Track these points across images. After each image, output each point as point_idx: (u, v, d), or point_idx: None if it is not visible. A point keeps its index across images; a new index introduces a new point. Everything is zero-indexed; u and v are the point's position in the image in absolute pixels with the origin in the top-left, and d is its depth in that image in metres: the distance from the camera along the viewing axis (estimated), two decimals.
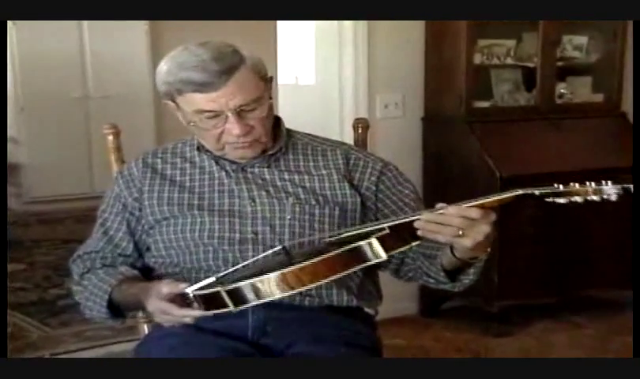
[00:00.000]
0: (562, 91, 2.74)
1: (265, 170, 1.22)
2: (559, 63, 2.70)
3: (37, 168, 4.71)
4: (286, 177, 1.22)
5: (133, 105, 4.81)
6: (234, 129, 1.13)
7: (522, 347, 2.47)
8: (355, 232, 1.06)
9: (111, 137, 1.41)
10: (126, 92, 4.84)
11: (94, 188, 4.57)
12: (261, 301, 0.99)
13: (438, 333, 2.59)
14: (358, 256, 1.01)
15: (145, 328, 1.32)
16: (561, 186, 1.01)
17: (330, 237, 1.09)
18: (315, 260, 0.99)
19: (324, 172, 1.23)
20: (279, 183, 1.21)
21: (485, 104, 2.66)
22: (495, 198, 1.02)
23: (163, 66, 1.16)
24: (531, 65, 2.68)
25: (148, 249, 1.24)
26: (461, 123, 2.55)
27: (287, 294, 0.99)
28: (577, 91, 2.80)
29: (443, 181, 2.63)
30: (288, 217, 1.18)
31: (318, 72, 2.78)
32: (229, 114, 1.12)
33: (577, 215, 2.58)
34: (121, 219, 1.24)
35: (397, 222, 1.05)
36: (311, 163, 1.24)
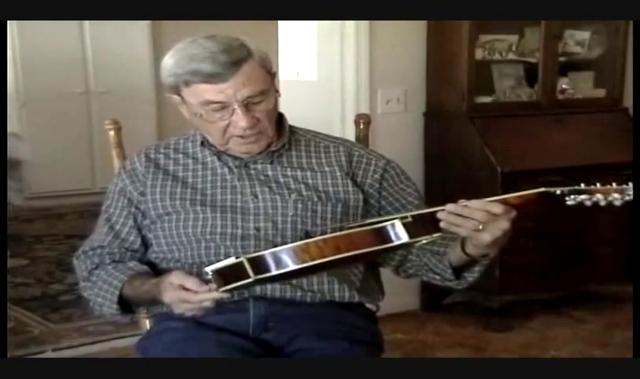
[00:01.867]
0: (564, 86, 2.74)
1: (268, 166, 1.22)
2: (561, 58, 2.70)
3: (39, 164, 4.71)
4: (289, 173, 1.22)
5: (135, 100, 4.81)
6: (240, 121, 1.13)
7: (523, 341, 2.48)
8: (378, 220, 1.07)
9: (112, 133, 1.41)
10: (127, 88, 4.84)
11: (95, 183, 4.58)
12: (282, 271, 0.98)
13: (439, 328, 2.59)
14: (380, 235, 1.01)
15: (147, 324, 1.32)
16: (583, 185, 1.02)
17: (353, 224, 1.09)
18: (338, 233, 1.00)
19: (327, 169, 1.23)
20: (282, 179, 1.21)
21: (487, 99, 2.65)
22: (518, 194, 1.04)
23: (169, 59, 1.16)
24: (533, 60, 2.67)
25: (150, 244, 1.24)
26: (462, 118, 2.55)
27: (307, 264, 0.98)
28: (579, 86, 2.80)
29: (445, 177, 2.63)
30: (291, 213, 1.18)
31: (319, 67, 2.77)
32: (236, 106, 1.12)
33: (578, 210, 2.57)
34: (127, 214, 1.24)
35: (421, 212, 1.06)
36: (314, 160, 1.24)
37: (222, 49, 1.11)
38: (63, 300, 2.91)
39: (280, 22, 3.06)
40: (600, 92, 2.82)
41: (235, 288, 1.01)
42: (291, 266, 0.98)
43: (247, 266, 0.98)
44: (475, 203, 1.02)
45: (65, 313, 2.76)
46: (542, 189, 1.03)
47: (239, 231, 1.17)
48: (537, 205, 1.04)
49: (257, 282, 1.00)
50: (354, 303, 1.21)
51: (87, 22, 4.74)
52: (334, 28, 2.57)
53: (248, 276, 0.98)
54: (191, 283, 1.03)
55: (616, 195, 1.01)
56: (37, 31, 4.49)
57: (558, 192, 1.02)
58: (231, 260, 1.00)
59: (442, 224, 1.03)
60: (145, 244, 1.24)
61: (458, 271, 1.16)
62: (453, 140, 2.62)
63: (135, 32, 4.85)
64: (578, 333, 2.52)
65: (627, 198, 1.01)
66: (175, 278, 1.05)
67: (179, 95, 1.17)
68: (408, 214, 1.04)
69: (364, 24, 2.51)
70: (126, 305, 1.20)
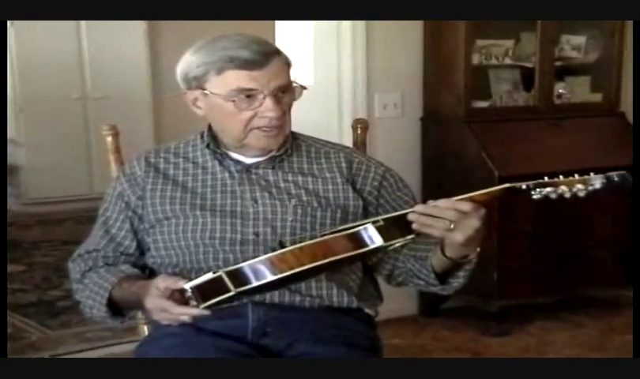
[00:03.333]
0: (560, 90, 2.75)
1: (270, 171, 1.22)
2: (558, 63, 2.71)
3: (36, 169, 4.71)
4: (290, 178, 1.22)
5: (132, 106, 4.81)
6: (270, 111, 1.14)
7: (521, 346, 2.48)
8: (350, 225, 1.08)
9: (110, 138, 1.41)
10: (124, 93, 4.84)
11: (93, 189, 4.57)
12: (261, 281, 1.00)
13: (437, 333, 2.59)
14: (355, 240, 1.03)
15: (145, 329, 1.32)
16: (546, 178, 1.04)
17: (326, 232, 1.11)
18: (313, 241, 1.02)
19: (327, 175, 1.23)
20: (282, 185, 1.21)
21: (484, 104, 2.66)
22: (484, 191, 1.06)
23: (192, 55, 1.17)
24: (529, 65, 2.68)
25: (148, 249, 1.24)
26: (459, 123, 2.56)
27: (286, 273, 1.00)
28: (576, 90, 2.81)
29: (442, 181, 2.63)
30: (290, 219, 1.18)
31: (316, 72, 2.78)
32: (267, 95, 1.14)
33: (577, 213, 2.58)
34: (124, 218, 1.24)
35: (392, 215, 1.08)
36: (315, 166, 1.24)
37: (252, 40, 1.14)
38: (61, 306, 2.90)
39: (276, 26, 3.06)
40: (597, 97, 2.83)
41: (216, 303, 1.02)
42: (270, 277, 0.99)
43: (226, 280, 0.99)
44: (443, 202, 1.04)
45: (62, 319, 2.75)
46: (507, 185, 1.05)
47: (239, 236, 1.17)
48: (504, 201, 1.06)
49: (238, 295, 1.01)
50: (353, 308, 1.21)
51: (84, 27, 4.75)
52: (331, 33, 2.58)
53: (228, 290, 0.99)
54: (177, 296, 1.03)
55: (580, 186, 1.04)
56: (34, 36, 4.49)
57: (523, 186, 1.04)
58: (210, 276, 1.01)
59: (413, 226, 1.05)
60: (141, 249, 1.24)
61: (444, 277, 1.17)
62: (450, 145, 2.63)
63: (132, 37, 4.86)
64: (576, 337, 2.52)
65: (590, 188, 1.04)
66: (163, 282, 1.06)
67: (202, 88, 1.16)
68: (380, 218, 1.06)
69: (361, 28, 2.52)
70: (117, 308, 1.19)
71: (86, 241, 1.28)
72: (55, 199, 4.70)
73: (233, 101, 1.14)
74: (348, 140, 1.52)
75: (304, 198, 1.20)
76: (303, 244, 1.01)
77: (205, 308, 1.02)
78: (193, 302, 1.02)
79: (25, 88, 4.66)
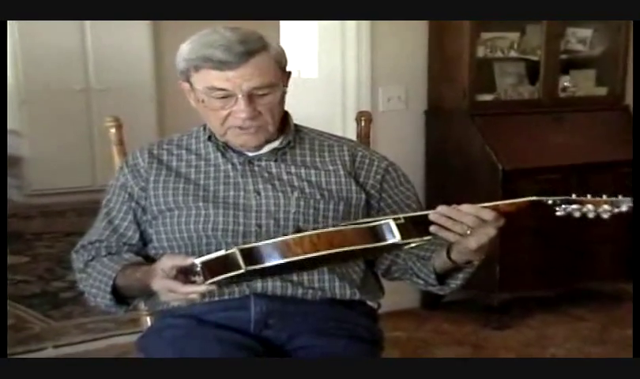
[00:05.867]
0: (565, 84, 2.73)
1: (272, 163, 1.22)
2: (563, 56, 2.69)
3: (39, 161, 4.71)
4: (292, 171, 1.22)
5: (135, 97, 4.80)
6: (241, 111, 1.13)
7: (522, 339, 2.48)
8: (369, 219, 1.07)
9: (113, 130, 1.41)
10: (127, 85, 4.84)
11: (96, 181, 4.57)
12: (273, 263, 0.98)
13: (438, 326, 2.59)
14: (373, 233, 1.02)
15: (148, 321, 1.32)
16: (574, 196, 1.03)
17: (345, 223, 1.10)
18: (332, 229, 1.01)
19: (330, 168, 1.23)
20: (285, 177, 1.21)
21: (488, 97, 2.65)
22: (510, 202, 1.05)
23: (186, 45, 1.17)
24: (534, 58, 2.67)
25: (150, 240, 1.24)
26: (463, 116, 2.55)
27: (300, 257, 0.98)
28: (581, 84, 2.79)
29: (446, 175, 2.63)
30: (292, 211, 1.18)
31: (320, 65, 2.77)
32: (239, 96, 1.13)
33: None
34: (127, 209, 1.24)
35: (414, 214, 1.07)
36: (318, 158, 1.24)
37: (239, 39, 1.12)
38: (63, 297, 2.91)
39: (281, 21, 3.06)
40: (602, 90, 2.81)
41: (224, 279, 1.00)
42: (284, 259, 0.98)
43: (239, 257, 0.97)
44: (466, 207, 1.03)
45: (65, 310, 2.76)
46: (533, 198, 1.04)
47: (241, 228, 1.17)
48: (528, 213, 1.05)
49: (247, 274, 0.99)
50: (355, 301, 1.21)
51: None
52: (335, 26, 2.57)
53: (239, 267, 0.97)
54: (182, 275, 1.02)
55: (606, 207, 1.02)
56: (38, 28, 4.48)
57: (550, 202, 1.03)
58: (222, 252, 0.99)
59: (432, 228, 1.04)
60: (144, 239, 1.24)
61: (442, 277, 1.17)
62: (454, 138, 2.62)
63: (136, 29, 4.84)
64: (577, 331, 2.52)
65: (616, 210, 1.02)
66: (170, 260, 1.05)
67: (189, 81, 1.17)
68: (401, 216, 1.05)
69: (365, 21, 2.51)
70: (121, 295, 1.19)
71: (89, 232, 1.28)
72: (58, 190, 4.71)
73: (206, 100, 1.14)
74: (351, 133, 1.52)
75: (307, 190, 1.20)
76: (320, 230, 1.00)
77: (211, 284, 1.00)
78: (199, 279, 1.00)
79: (28, 79, 4.65)
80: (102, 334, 2.48)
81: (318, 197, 1.20)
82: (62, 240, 3.84)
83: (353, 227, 1.02)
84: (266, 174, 1.21)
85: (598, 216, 1.03)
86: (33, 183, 4.76)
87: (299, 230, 1.08)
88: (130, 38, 4.86)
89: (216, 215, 1.18)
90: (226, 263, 0.98)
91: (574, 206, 1.03)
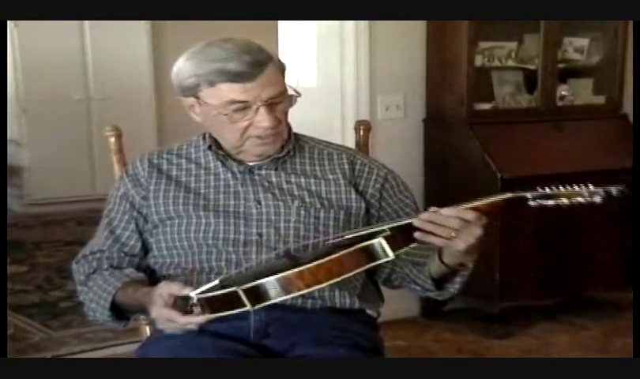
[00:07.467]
0: (563, 93, 2.74)
1: (272, 172, 1.22)
2: (560, 65, 2.70)
3: (39, 170, 4.72)
4: (292, 180, 1.22)
5: (135, 106, 4.82)
6: (264, 120, 1.14)
7: (523, 348, 2.47)
8: (356, 234, 1.07)
9: (113, 139, 1.42)
10: (127, 94, 4.86)
11: (95, 190, 4.58)
12: (280, 298, 1.00)
13: (439, 334, 2.59)
14: (368, 254, 1.03)
15: (147, 330, 1.32)
16: (547, 189, 1.05)
17: (333, 240, 1.10)
18: (330, 257, 1.01)
19: (330, 177, 1.23)
20: (285, 186, 1.21)
21: (486, 106, 2.66)
22: (487, 201, 1.06)
23: (186, 62, 1.16)
24: (532, 67, 2.68)
25: (150, 249, 1.24)
26: (462, 125, 2.56)
27: (303, 292, 1.00)
28: (579, 93, 2.81)
29: (444, 183, 2.63)
30: (293, 220, 1.18)
31: (319, 74, 2.78)
32: (260, 106, 1.13)
33: (579, 215, 2.58)
34: (128, 218, 1.24)
35: (398, 223, 1.07)
36: (317, 167, 1.24)
37: (243, 50, 1.13)
38: (63, 307, 2.90)
39: (279, 29, 3.07)
40: (600, 99, 2.82)
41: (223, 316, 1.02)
42: (287, 294, 1.00)
43: (243, 297, 0.99)
44: (447, 210, 1.05)
45: (64, 319, 2.75)
46: (510, 195, 1.06)
47: (242, 237, 1.17)
48: (506, 210, 1.06)
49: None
50: (355, 309, 1.21)
51: (87, 28, 4.76)
52: (334, 34, 2.58)
53: (244, 305, 0.99)
54: (181, 304, 1.03)
55: (580, 199, 1.05)
56: (38, 37, 4.51)
57: (528, 196, 1.05)
58: (227, 290, 1.00)
59: (416, 234, 1.05)
60: (145, 249, 1.24)
61: (440, 282, 1.17)
62: (453, 147, 2.62)
63: (135, 39, 4.87)
64: (579, 340, 2.52)
65: (590, 200, 1.05)
66: (166, 288, 1.05)
67: (196, 97, 1.16)
68: (386, 227, 1.06)
69: (364, 30, 2.52)
70: (120, 311, 1.19)
71: (90, 242, 1.28)
72: (58, 200, 4.71)
73: (226, 114, 1.14)
74: (350, 142, 1.52)
75: (307, 199, 1.20)
76: (319, 262, 1.00)
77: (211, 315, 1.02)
78: (198, 310, 1.02)
79: (29, 89, 4.67)
80: (101, 344, 2.47)
81: (318, 206, 1.20)
82: (62, 249, 3.83)
83: (348, 251, 1.03)
84: (266, 183, 1.21)
85: (572, 205, 1.05)
86: (33, 192, 4.76)
87: (288, 253, 1.09)
88: (130, 47, 4.89)
89: (217, 223, 1.18)
90: (226, 300, 1.00)
91: (550, 201, 1.05)
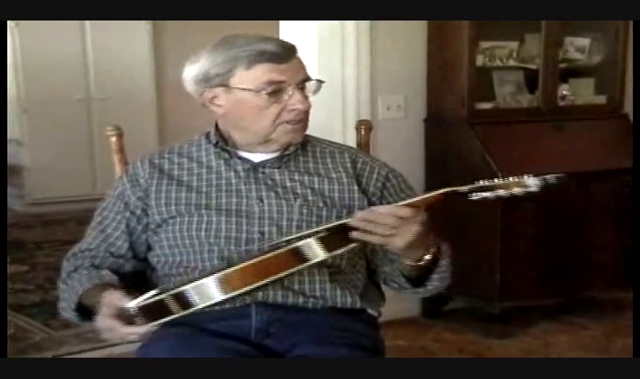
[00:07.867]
0: (564, 92, 2.74)
1: (276, 170, 1.22)
2: (562, 65, 2.70)
3: (39, 170, 4.72)
4: (296, 178, 1.22)
5: (135, 106, 4.82)
6: (299, 103, 1.15)
7: (524, 348, 2.47)
8: (295, 236, 1.10)
9: (114, 139, 1.42)
10: (128, 94, 4.85)
11: (96, 190, 4.57)
12: (206, 303, 1.02)
13: (439, 334, 2.58)
14: (298, 256, 1.06)
15: None
16: (482, 182, 1.08)
17: (272, 243, 1.12)
18: (254, 260, 1.04)
19: (334, 175, 1.24)
20: (288, 184, 1.21)
21: (487, 106, 2.66)
22: (424, 197, 1.09)
23: (209, 55, 1.16)
24: (533, 66, 2.68)
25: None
26: (463, 125, 2.55)
27: (230, 294, 1.03)
28: (580, 92, 2.80)
29: (445, 183, 2.60)
30: (295, 218, 1.18)
31: (320, 74, 2.77)
32: (294, 88, 1.15)
33: (579, 215, 2.58)
34: (120, 218, 1.24)
35: (334, 224, 1.09)
36: (320, 165, 1.25)
37: (268, 37, 1.16)
38: None
39: (280, 29, 3.07)
40: (601, 99, 2.82)
41: (163, 323, 1.03)
42: (216, 298, 1.02)
43: (171, 303, 1.01)
44: (383, 208, 1.06)
45: (65, 319, 2.75)
46: (446, 190, 1.08)
47: (244, 235, 1.17)
48: (444, 204, 1.08)
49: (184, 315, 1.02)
50: (356, 309, 1.21)
51: (88, 29, 4.76)
52: (335, 35, 2.58)
53: (172, 313, 1.02)
54: (124, 315, 1.03)
55: (517, 189, 1.07)
56: (39, 38, 4.51)
57: (466, 189, 1.07)
58: (152, 294, 1.02)
59: (354, 234, 1.06)
60: (134, 250, 1.25)
61: (419, 280, 1.18)
62: (454, 147, 2.62)
63: (136, 39, 4.87)
64: (579, 340, 2.52)
65: (527, 190, 1.07)
66: (108, 296, 1.07)
67: (225, 84, 1.16)
68: (322, 228, 1.08)
69: (365, 30, 2.52)
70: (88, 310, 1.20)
71: (83, 240, 1.28)
72: (59, 199, 4.71)
73: (266, 94, 1.14)
74: (351, 142, 1.53)
75: (310, 198, 1.20)
76: (243, 264, 1.03)
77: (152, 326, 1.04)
78: (139, 320, 1.03)
79: (29, 89, 4.67)
80: (101, 343, 2.46)
81: (321, 204, 1.20)
82: (63, 249, 3.80)
83: (275, 253, 1.05)
84: (269, 182, 1.21)
85: (512, 195, 1.07)
86: (34, 192, 4.77)
87: (228, 262, 1.11)
88: (131, 47, 4.89)
89: (219, 222, 1.18)
90: (160, 308, 1.02)
91: (488, 193, 1.07)
